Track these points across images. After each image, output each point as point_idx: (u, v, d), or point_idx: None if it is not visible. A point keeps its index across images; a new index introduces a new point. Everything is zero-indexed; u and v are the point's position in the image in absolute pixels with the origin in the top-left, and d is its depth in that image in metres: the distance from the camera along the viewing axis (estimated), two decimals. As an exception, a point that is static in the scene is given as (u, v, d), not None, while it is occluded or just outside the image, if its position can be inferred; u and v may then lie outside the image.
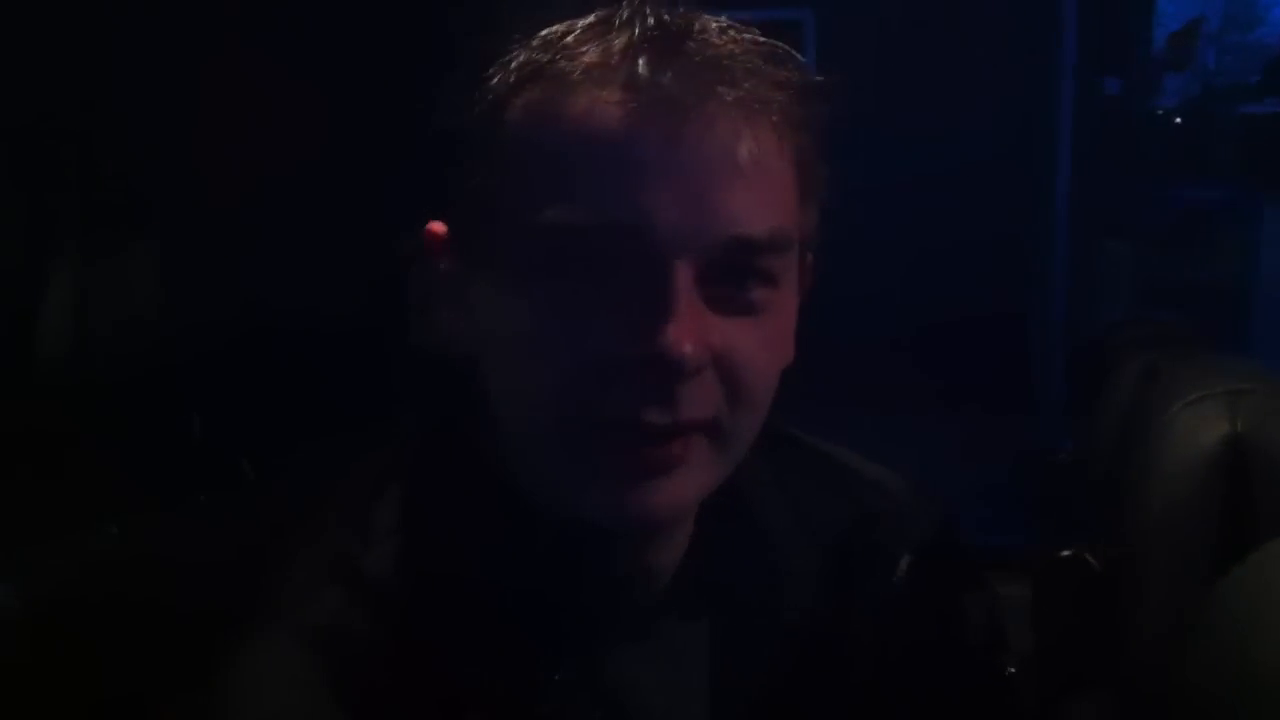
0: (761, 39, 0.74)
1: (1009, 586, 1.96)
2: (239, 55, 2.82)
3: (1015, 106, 5.23)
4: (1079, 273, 5.05)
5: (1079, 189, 5.05)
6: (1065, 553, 1.60)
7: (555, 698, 0.72)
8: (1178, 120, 5.28)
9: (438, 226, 0.76)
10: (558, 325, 0.69)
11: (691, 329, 0.66)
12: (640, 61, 0.69)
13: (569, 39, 0.72)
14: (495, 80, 0.73)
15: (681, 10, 0.73)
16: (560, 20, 0.73)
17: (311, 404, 2.88)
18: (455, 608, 0.72)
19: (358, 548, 0.75)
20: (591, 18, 0.73)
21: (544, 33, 0.73)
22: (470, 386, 0.76)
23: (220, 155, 2.84)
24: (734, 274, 0.70)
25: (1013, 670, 0.94)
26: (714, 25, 0.73)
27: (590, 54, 0.71)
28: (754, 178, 0.70)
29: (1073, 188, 5.06)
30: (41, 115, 2.72)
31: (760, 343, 0.72)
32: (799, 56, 0.75)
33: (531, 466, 0.74)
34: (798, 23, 5.34)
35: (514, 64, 0.73)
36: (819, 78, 0.75)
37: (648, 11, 0.71)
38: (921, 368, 5.02)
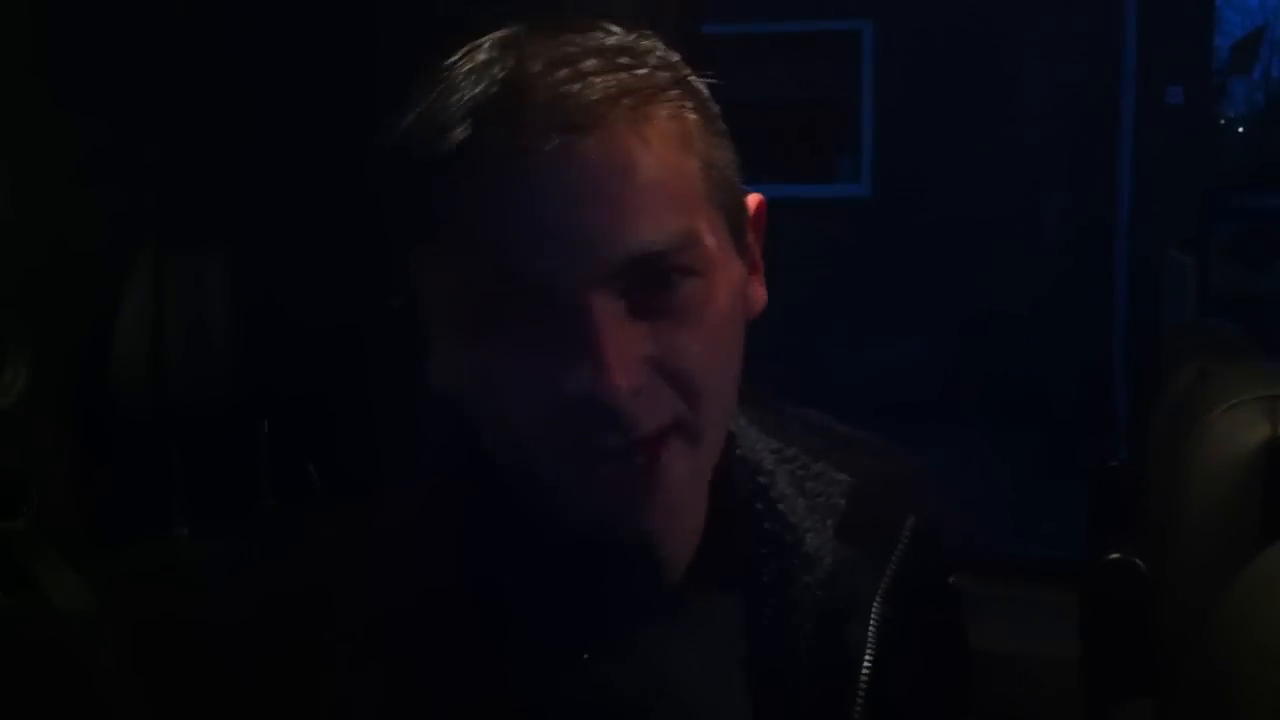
0: (614, 42, 0.71)
1: (1058, 593, 1.97)
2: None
3: (1077, 116, 5.20)
4: (1143, 283, 5.01)
5: (1141, 199, 5.01)
6: (1113, 555, 1.61)
7: (587, 676, 0.76)
8: (1240, 129, 5.23)
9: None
10: (500, 373, 0.70)
11: (619, 355, 0.67)
12: (492, 121, 0.67)
13: (440, 90, 0.70)
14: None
15: (522, 32, 0.71)
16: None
17: (378, 409, 2.95)
18: (491, 604, 0.76)
19: (398, 552, 0.80)
20: (459, 56, 0.71)
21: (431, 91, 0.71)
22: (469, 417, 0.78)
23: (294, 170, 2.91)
24: (652, 280, 0.69)
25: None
26: (557, 42, 0.70)
27: (459, 104, 0.69)
28: (634, 187, 0.68)
29: (1135, 198, 5.02)
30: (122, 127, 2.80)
31: (702, 335, 0.72)
32: (658, 46, 0.73)
33: (528, 489, 0.76)
34: (857, 33, 5.35)
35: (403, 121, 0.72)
36: (674, 58, 0.74)
37: (490, 65, 0.69)
38: (990, 381, 4.99)
